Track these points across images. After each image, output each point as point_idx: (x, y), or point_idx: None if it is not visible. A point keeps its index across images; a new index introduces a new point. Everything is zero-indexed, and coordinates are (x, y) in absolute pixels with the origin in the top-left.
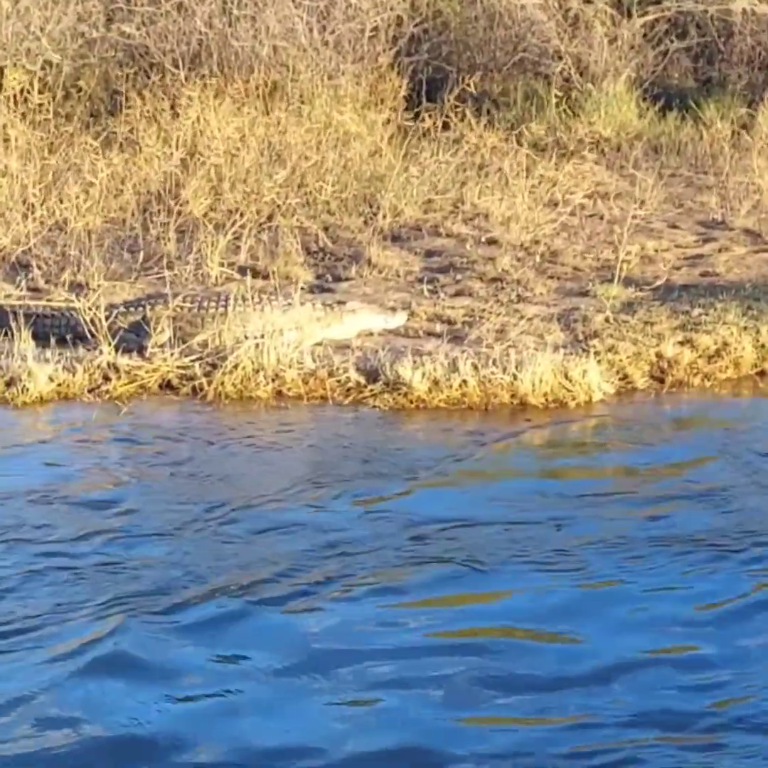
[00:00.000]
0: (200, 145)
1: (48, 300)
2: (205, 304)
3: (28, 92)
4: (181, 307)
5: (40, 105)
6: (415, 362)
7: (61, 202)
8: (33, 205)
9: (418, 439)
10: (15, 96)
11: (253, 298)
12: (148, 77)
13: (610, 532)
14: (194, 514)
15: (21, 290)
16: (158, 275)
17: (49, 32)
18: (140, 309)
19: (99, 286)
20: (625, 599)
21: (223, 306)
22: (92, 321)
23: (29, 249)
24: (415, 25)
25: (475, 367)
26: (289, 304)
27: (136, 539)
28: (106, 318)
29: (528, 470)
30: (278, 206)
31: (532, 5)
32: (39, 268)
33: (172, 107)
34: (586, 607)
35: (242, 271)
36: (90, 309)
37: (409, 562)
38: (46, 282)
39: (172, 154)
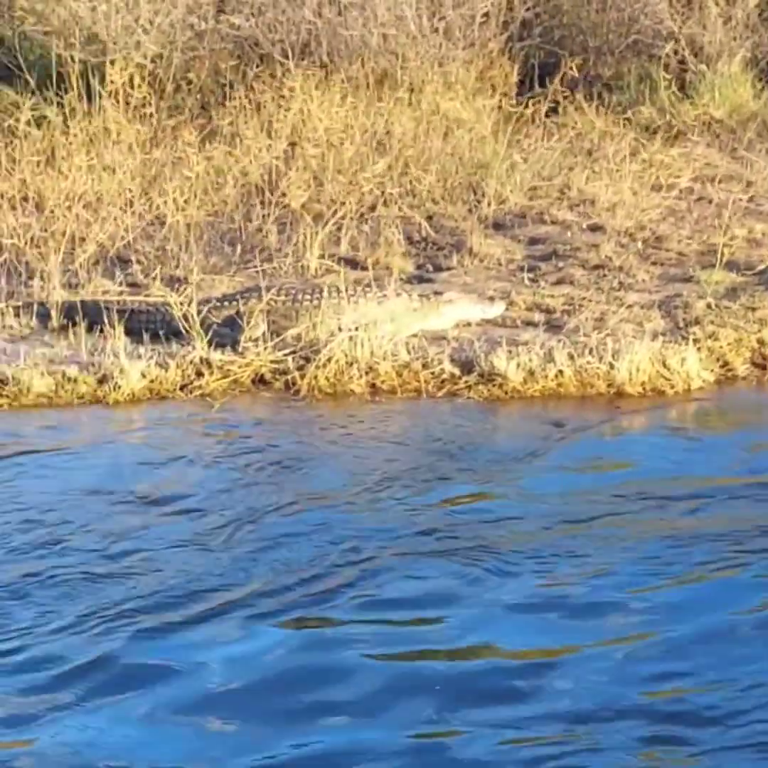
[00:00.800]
0: (303, 136)
1: (146, 295)
2: (299, 296)
3: (132, 86)
4: (275, 301)
5: (144, 98)
6: (510, 353)
7: (161, 196)
8: (131, 200)
9: (512, 430)
10: (118, 90)
11: (347, 290)
12: (257, 68)
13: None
14: (285, 510)
15: (120, 285)
16: (257, 268)
17: (159, 25)
18: (234, 303)
19: (198, 280)
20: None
21: (316, 299)
22: (185, 316)
23: (128, 243)
24: (527, 10)
25: (571, 357)
26: (385, 295)
27: (221, 536)
28: (199, 313)
29: (622, 460)
30: (381, 195)
31: None
32: (138, 263)
33: (281, 98)
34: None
35: (342, 262)
36: (182, 304)
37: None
38: (145, 277)
39: (272, 145)
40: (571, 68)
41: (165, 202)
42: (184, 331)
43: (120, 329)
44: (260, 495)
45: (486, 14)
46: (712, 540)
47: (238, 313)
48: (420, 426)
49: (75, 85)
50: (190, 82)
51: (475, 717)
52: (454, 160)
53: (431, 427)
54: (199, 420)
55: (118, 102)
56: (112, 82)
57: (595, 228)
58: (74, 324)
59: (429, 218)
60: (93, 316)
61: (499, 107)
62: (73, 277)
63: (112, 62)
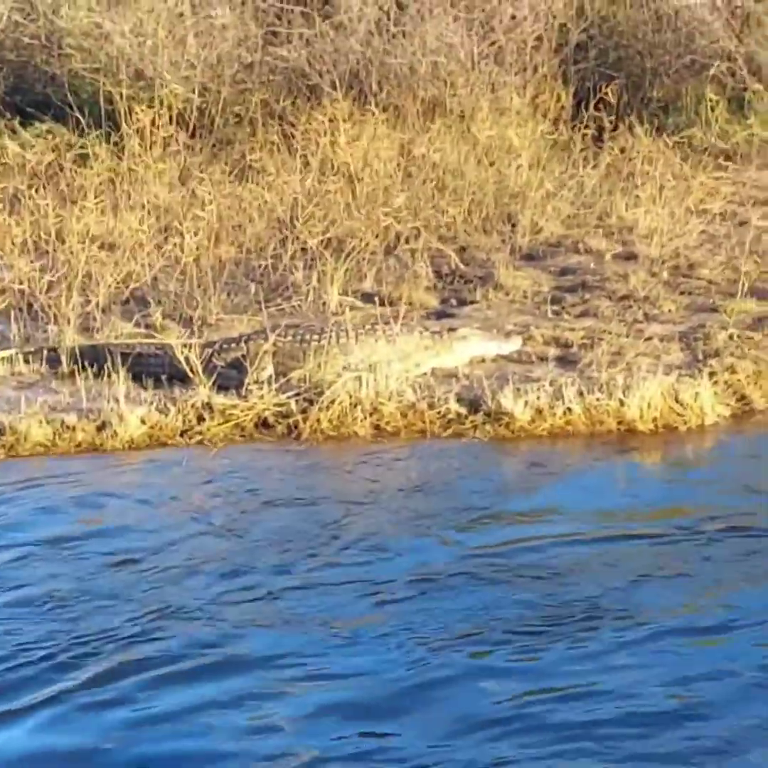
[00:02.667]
0: (337, 169)
1: (158, 338)
2: (307, 336)
3: (154, 124)
4: (281, 342)
5: (171, 136)
6: (518, 390)
7: (184, 234)
8: (159, 242)
9: (513, 471)
10: (146, 127)
11: (356, 328)
12: (308, 100)
13: None
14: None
15: (138, 327)
16: (279, 306)
17: (205, 58)
18: (240, 345)
19: (217, 320)
20: None
21: (323, 338)
22: (187, 359)
23: (147, 284)
24: (581, 32)
25: (581, 394)
26: (396, 333)
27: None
28: (210, 355)
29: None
30: (413, 228)
31: (701, 5)
32: (159, 303)
33: (313, 131)
34: None
35: (366, 298)
36: (185, 347)
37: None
38: (164, 317)
39: (302, 179)
40: (606, 93)
41: (186, 241)
42: (191, 375)
43: (122, 374)
44: (252, 543)
45: (538, 38)
46: None
47: (244, 355)
48: (417, 469)
49: (121, 121)
50: (238, 117)
51: None
52: (495, 189)
53: (427, 470)
54: (192, 468)
55: (143, 140)
56: (138, 119)
57: (629, 256)
58: (84, 369)
59: (462, 250)
60: (102, 360)
61: (551, 133)
62: (92, 320)
63: (159, 98)
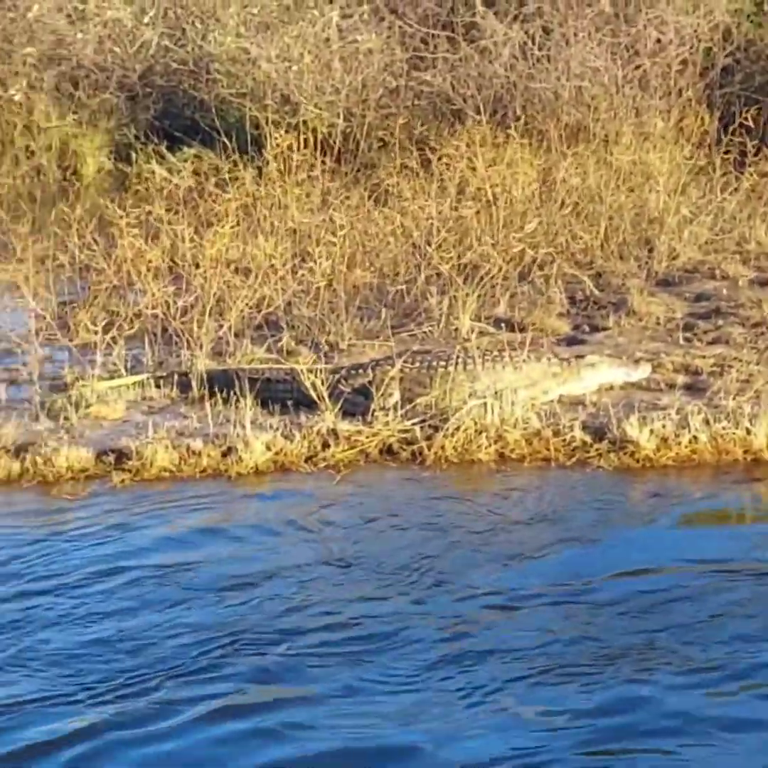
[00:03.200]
0: (470, 192)
1: (285, 363)
2: (435, 363)
3: (293, 148)
4: (408, 368)
5: (311, 161)
6: (643, 419)
7: (317, 259)
8: (286, 263)
9: (636, 503)
10: (282, 153)
11: (483, 355)
12: (452, 125)
13: None
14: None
15: (270, 351)
16: (411, 332)
17: (350, 83)
18: (367, 371)
19: (349, 346)
20: None
21: (451, 365)
22: (313, 385)
23: (280, 308)
24: (727, 55)
25: (707, 422)
26: (523, 360)
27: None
28: (336, 381)
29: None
30: (549, 254)
31: None
32: (292, 328)
33: (471, 160)
34: None
35: (499, 324)
36: (311, 372)
37: None
38: (297, 342)
39: (441, 204)
40: (746, 118)
41: (320, 266)
42: (319, 400)
43: (250, 399)
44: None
45: (683, 61)
46: None
47: (371, 381)
48: (539, 498)
49: (266, 146)
50: (381, 140)
51: None
52: (633, 214)
53: (550, 499)
54: (313, 493)
55: (285, 165)
56: (277, 145)
57: (765, 282)
58: (213, 394)
59: (598, 275)
60: (231, 386)
61: (691, 157)
62: (225, 344)
63: (304, 123)
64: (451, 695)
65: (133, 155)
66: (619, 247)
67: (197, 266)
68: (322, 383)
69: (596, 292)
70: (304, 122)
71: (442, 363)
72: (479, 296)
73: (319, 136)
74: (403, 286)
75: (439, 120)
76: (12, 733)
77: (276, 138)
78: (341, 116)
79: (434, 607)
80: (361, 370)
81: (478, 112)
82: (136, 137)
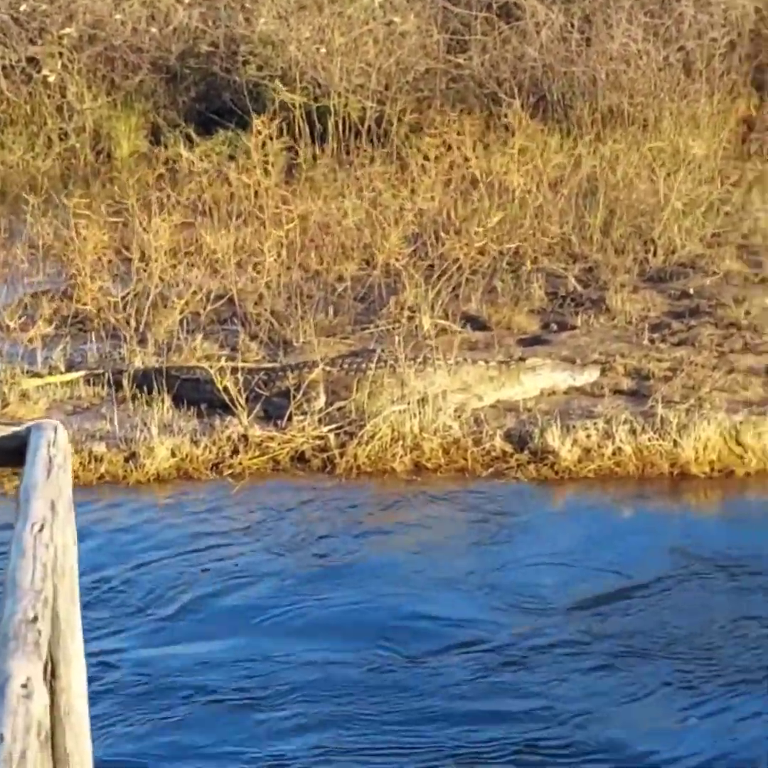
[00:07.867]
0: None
1: (199, 363)
2: (363, 365)
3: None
4: (334, 370)
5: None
6: (567, 428)
7: (279, 254)
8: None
9: (542, 519)
10: (262, 141)
11: (415, 358)
12: (490, 109)
13: None
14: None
15: (223, 348)
16: (368, 329)
17: (380, 67)
18: (288, 373)
19: (303, 343)
20: None
21: (380, 367)
22: (225, 388)
23: (235, 303)
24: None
25: (633, 433)
26: (456, 362)
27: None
28: (265, 382)
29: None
30: (528, 245)
31: None
32: (243, 325)
33: (448, 145)
34: None
35: (466, 321)
36: (222, 372)
37: None
38: (252, 339)
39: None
40: None
41: (267, 260)
42: (232, 403)
43: (166, 401)
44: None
45: (731, 44)
46: None
47: (298, 383)
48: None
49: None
50: (416, 124)
51: None
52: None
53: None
54: (206, 505)
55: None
56: (258, 132)
57: (763, 280)
58: (142, 394)
59: (589, 270)
60: (170, 386)
61: (728, 143)
62: (176, 340)
63: (334, 106)
64: None
65: (163, 138)
66: (618, 240)
67: (142, 257)
68: (236, 384)
69: (578, 288)
70: (335, 106)
71: (372, 365)
72: (453, 290)
73: (351, 120)
74: (384, 280)
75: (470, 104)
76: None
77: (257, 125)
78: (372, 99)
79: None
80: (282, 373)
81: (512, 96)
82: (170, 120)
